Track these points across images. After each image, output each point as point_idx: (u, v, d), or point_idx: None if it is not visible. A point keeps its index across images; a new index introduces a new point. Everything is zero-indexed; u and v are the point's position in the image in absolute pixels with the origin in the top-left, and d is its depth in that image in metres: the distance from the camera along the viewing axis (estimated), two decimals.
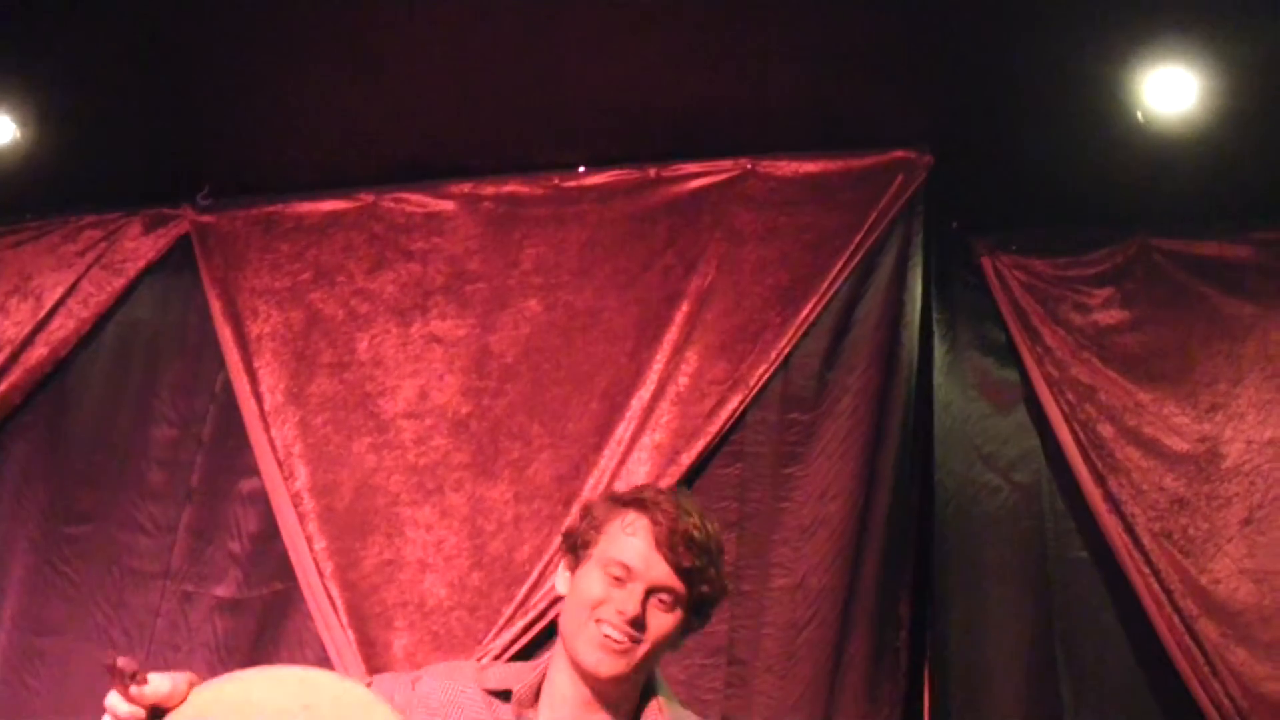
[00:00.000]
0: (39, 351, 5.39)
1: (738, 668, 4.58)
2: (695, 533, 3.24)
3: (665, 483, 4.66)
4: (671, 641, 3.34)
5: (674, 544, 3.22)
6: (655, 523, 3.24)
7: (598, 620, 3.26)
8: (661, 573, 3.23)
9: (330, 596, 4.81)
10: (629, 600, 3.24)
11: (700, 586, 3.27)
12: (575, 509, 3.37)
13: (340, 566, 4.84)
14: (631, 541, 3.26)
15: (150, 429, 5.31)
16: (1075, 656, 4.55)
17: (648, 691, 3.48)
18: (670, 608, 3.28)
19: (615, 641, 3.26)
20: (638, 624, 3.24)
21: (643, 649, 3.28)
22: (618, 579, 3.26)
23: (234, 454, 5.17)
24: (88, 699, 4.98)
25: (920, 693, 4.61)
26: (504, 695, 3.45)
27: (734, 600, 4.61)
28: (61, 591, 5.20)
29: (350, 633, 4.76)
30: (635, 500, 3.31)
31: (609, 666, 3.27)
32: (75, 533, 5.26)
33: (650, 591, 3.23)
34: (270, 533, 5.03)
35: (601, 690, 3.27)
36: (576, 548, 3.36)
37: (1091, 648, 4.57)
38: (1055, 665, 4.55)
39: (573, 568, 3.36)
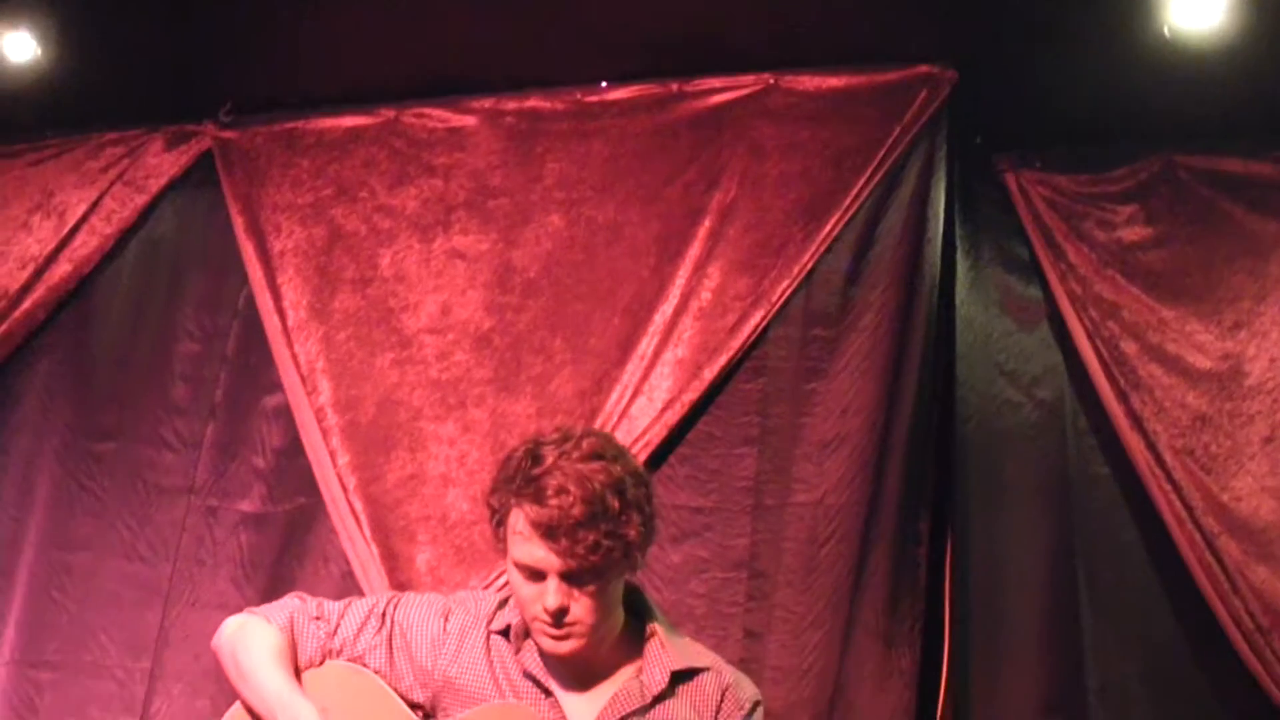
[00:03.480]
0: (63, 268, 5.40)
1: (759, 581, 4.59)
2: (575, 511, 3.20)
3: (689, 398, 4.68)
4: (614, 596, 3.36)
5: (557, 535, 3.21)
6: (535, 519, 3.23)
7: (533, 617, 3.31)
8: (561, 563, 3.24)
9: (354, 511, 4.83)
10: (548, 595, 3.27)
11: (610, 555, 3.26)
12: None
13: (363, 481, 4.86)
14: (524, 542, 3.26)
15: (174, 345, 5.33)
16: (1095, 572, 4.55)
17: (638, 614, 3.50)
18: (591, 580, 3.29)
19: (555, 630, 3.30)
20: (562, 614, 3.27)
21: (584, 623, 3.32)
22: (531, 578, 3.29)
23: (257, 370, 5.19)
24: (114, 613, 5.05)
25: (940, 607, 4.62)
26: (505, 631, 3.51)
27: (755, 515, 4.63)
28: (87, 507, 5.24)
29: (374, 547, 4.78)
30: (518, 491, 3.28)
31: (565, 647, 3.33)
32: (100, 449, 5.28)
33: (564, 576, 3.25)
34: (294, 448, 5.05)
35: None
36: (497, 532, 3.39)
37: (1111, 564, 4.57)
38: (1075, 581, 4.55)
39: (501, 552, 3.41)
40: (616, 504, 3.23)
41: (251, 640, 3.53)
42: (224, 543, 5.05)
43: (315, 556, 4.96)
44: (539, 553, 3.22)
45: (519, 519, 3.25)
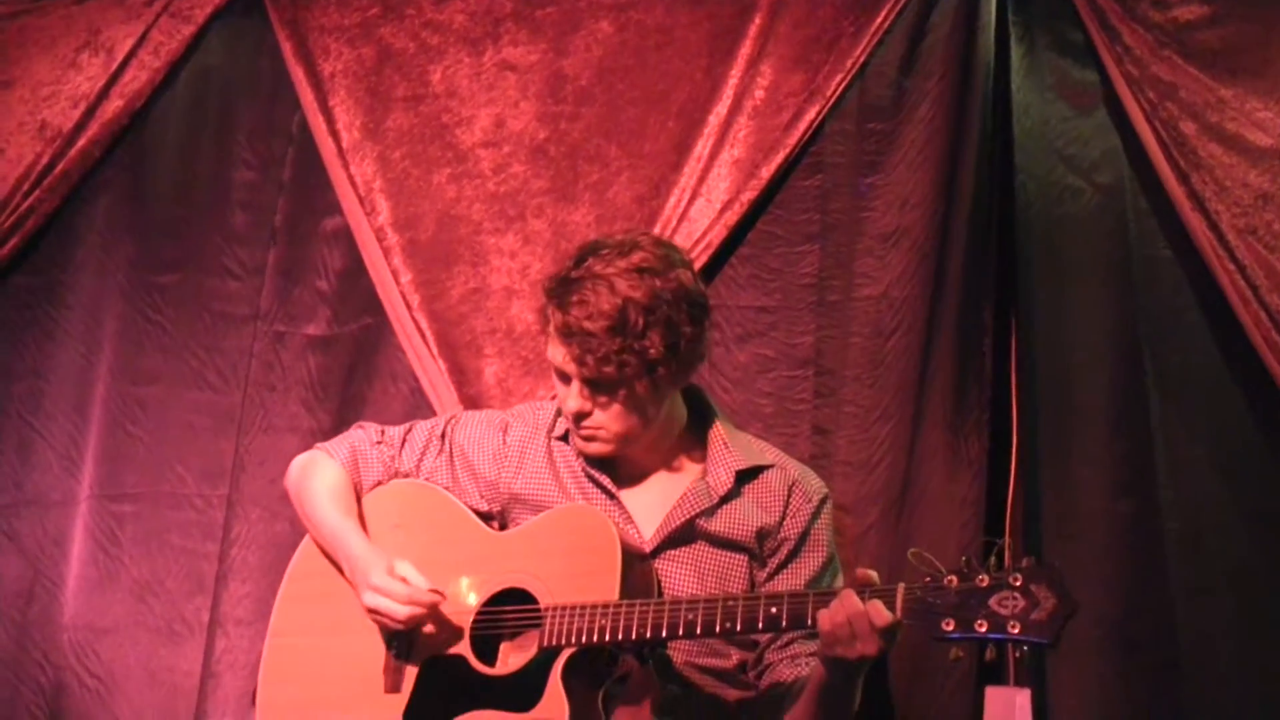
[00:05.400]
0: (114, 104, 5.37)
1: (825, 378, 4.63)
2: (587, 323, 3.24)
3: (747, 197, 4.67)
4: (644, 404, 3.38)
5: (570, 341, 3.27)
6: (557, 324, 3.28)
7: (566, 415, 3.36)
8: (576, 369, 3.29)
9: (419, 328, 4.87)
10: (569, 398, 3.34)
11: (624, 370, 3.28)
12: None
13: (427, 298, 4.89)
14: (550, 343, 3.32)
15: (230, 174, 5.33)
16: (1161, 355, 4.53)
17: (700, 414, 3.54)
18: (610, 390, 3.33)
19: (578, 430, 3.35)
20: (581, 417, 3.32)
21: (609, 430, 3.36)
22: (560, 379, 3.33)
23: (315, 193, 5.20)
24: (188, 442, 5.13)
25: (1008, 395, 4.64)
26: (566, 436, 3.56)
27: (819, 311, 4.66)
28: (156, 340, 5.30)
29: (441, 362, 4.82)
30: (551, 292, 3.34)
31: (591, 449, 3.40)
32: (164, 281, 5.32)
33: (585, 382, 3.28)
34: (356, 269, 5.08)
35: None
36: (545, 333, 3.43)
37: (1177, 346, 4.54)
38: (1141, 365, 4.53)
39: None
40: (640, 321, 3.24)
41: (314, 480, 3.63)
42: (293, 367, 5.11)
43: (384, 376, 5.01)
44: (559, 354, 3.28)
45: (551, 318, 3.31)
